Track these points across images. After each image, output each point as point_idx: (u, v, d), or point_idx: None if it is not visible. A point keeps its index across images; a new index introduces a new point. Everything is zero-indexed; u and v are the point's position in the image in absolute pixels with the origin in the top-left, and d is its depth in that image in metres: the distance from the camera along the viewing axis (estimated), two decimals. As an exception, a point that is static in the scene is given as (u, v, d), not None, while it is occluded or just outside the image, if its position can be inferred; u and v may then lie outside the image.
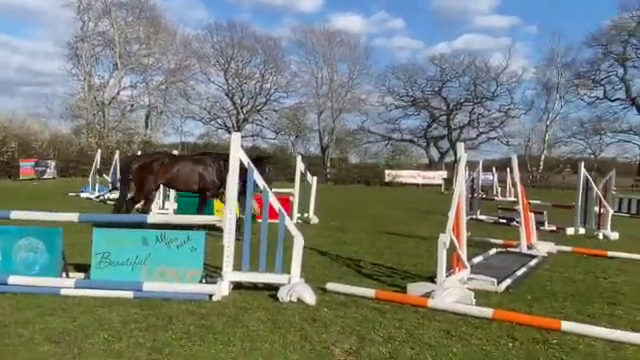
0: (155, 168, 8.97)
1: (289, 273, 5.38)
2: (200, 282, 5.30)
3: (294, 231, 5.46)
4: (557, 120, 49.49)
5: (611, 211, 11.72)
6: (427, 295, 5.27)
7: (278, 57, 50.42)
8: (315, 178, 13.12)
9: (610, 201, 12.26)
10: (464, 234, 6.26)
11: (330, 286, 5.63)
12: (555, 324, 4.48)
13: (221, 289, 5.24)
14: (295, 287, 5.19)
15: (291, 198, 12.11)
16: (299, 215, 12.24)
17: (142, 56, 45.07)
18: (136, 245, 5.39)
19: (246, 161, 5.59)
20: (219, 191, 9.16)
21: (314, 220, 12.22)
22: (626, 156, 48.48)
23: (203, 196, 9.29)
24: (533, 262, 7.59)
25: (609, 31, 46.25)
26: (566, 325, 4.43)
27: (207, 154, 9.68)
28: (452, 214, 5.79)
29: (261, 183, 5.57)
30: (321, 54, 49.57)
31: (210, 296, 5.13)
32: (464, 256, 6.14)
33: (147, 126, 46.63)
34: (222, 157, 9.12)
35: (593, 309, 5.25)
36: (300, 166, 12.75)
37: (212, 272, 5.89)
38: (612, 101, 47.64)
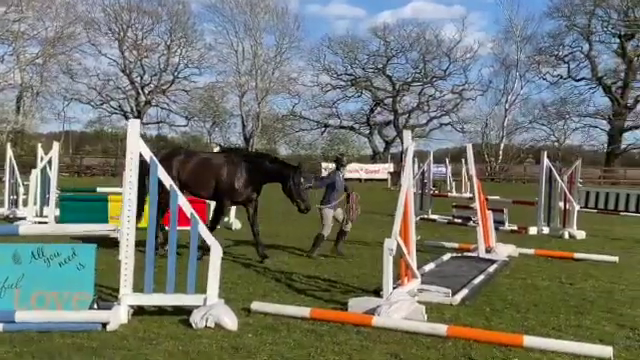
0: (175, 166, 8.58)
1: (204, 293, 5.30)
2: (91, 308, 5.12)
3: (210, 240, 5.39)
4: (517, 103, 52.20)
5: (577, 207, 12.49)
6: (372, 312, 5.37)
7: (188, 25, 49.59)
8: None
9: (576, 195, 13.05)
10: (413, 238, 6.44)
11: (256, 306, 5.61)
12: (517, 339, 4.71)
13: (118, 316, 5.08)
14: (212, 309, 5.12)
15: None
16: (217, 220, 12.11)
17: (11, 21, 42.67)
18: (5, 263, 5.12)
19: (148, 155, 5.44)
20: (240, 199, 8.79)
21: (236, 225, 12.15)
22: (592, 143, 51.81)
23: (218, 204, 8.85)
24: (492, 268, 7.94)
25: (573, 0, 49.11)
26: (529, 340, 4.67)
27: (233, 150, 9.49)
28: (399, 215, 5.93)
29: (167, 182, 5.43)
30: (242, 23, 49.26)
31: (104, 325, 4.96)
32: (414, 264, 6.31)
33: (19, 111, 44.23)
34: (248, 156, 9.24)
35: (558, 320, 5.57)
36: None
37: (106, 295, 5.69)
38: (577, 81, 50.73)
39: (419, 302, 5.69)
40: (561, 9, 49.30)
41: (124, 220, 5.37)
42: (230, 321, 5.08)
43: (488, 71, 55.04)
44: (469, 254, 9.08)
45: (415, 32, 51.79)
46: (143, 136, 5.55)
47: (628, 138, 49.67)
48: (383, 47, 52.50)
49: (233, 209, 12.34)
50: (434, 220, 14.56)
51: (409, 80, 53.09)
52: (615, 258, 8.83)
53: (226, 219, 12.25)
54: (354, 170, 42.49)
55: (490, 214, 9.81)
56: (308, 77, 52.72)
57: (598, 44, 49.86)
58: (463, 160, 22.56)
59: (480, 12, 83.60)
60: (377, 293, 6.02)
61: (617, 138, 48.46)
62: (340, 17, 75.45)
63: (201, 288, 5.32)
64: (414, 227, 6.53)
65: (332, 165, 42.99)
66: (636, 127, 49.34)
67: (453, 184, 25.87)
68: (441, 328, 4.96)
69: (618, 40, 48.57)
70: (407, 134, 6.82)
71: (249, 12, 48.93)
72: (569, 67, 50.73)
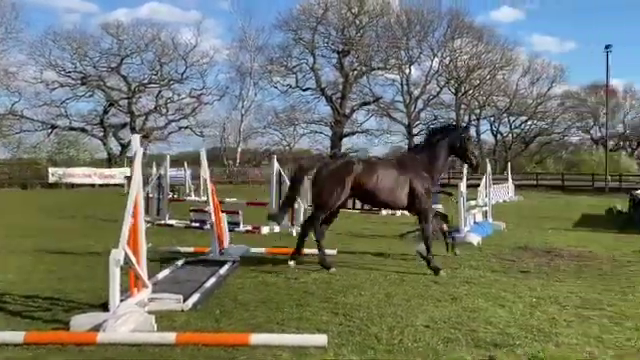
0: (353, 178, 8.42)
1: None
2: None
3: None
4: (252, 109, 54.86)
5: (304, 206, 13.49)
6: (97, 328, 5.04)
7: None
8: None
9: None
10: (143, 246, 6.22)
11: (-50, 339, 4.82)
12: (243, 338, 4.86)
13: None
14: None
15: None
16: None
17: None
18: None
19: None
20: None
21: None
22: (318, 147, 57.36)
23: (422, 214, 8.54)
24: (224, 269, 8.09)
25: (299, 16, 53.42)
26: (254, 338, 4.85)
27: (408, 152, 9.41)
28: (126, 223, 5.66)
29: None
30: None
31: None
32: (144, 273, 6.10)
33: None
34: (426, 141, 8.85)
35: (283, 315, 5.90)
36: None
37: None
38: (304, 90, 55.48)
39: (150, 312, 5.52)
40: (289, 23, 53.32)
41: None
42: None
43: (225, 77, 56.89)
44: (203, 257, 9.14)
45: (150, 33, 50.91)
46: None
47: (346, 143, 56.30)
48: (116, 45, 50.31)
49: None
50: (171, 225, 14.35)
51: (145, 81, 51.78)
52: (334, 251, 9.72)
53: None
54: (86, 175, 39.92)
55: (224, 216, 10.03)
56: (30, 72, 47.78)
57: (321, 58, 55.41)
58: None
59: (215, 19, 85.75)
60: (105, 307, 5.67)
61: (337, 143, 54.26)
62: (70, 10, 70.08)
63: None
64: (144, 235, 6.30)
65: (61, 170, 39.70)
66: (352, 133, 56.01)
67: (192, 188, 25.81)
68: (170, 336, 4.88)
69: (337, 55, 54.29)
70: (136, 138, 6.56)
71: (-47, -5, 42.32)
72: (297, 77, 55.16)
